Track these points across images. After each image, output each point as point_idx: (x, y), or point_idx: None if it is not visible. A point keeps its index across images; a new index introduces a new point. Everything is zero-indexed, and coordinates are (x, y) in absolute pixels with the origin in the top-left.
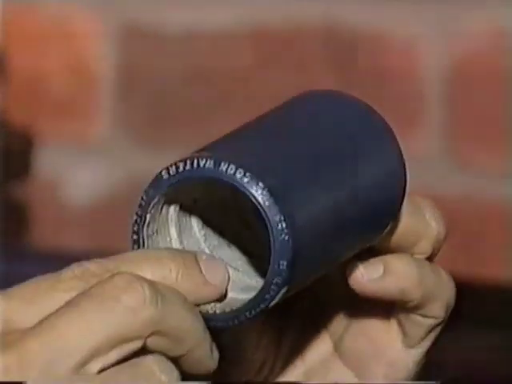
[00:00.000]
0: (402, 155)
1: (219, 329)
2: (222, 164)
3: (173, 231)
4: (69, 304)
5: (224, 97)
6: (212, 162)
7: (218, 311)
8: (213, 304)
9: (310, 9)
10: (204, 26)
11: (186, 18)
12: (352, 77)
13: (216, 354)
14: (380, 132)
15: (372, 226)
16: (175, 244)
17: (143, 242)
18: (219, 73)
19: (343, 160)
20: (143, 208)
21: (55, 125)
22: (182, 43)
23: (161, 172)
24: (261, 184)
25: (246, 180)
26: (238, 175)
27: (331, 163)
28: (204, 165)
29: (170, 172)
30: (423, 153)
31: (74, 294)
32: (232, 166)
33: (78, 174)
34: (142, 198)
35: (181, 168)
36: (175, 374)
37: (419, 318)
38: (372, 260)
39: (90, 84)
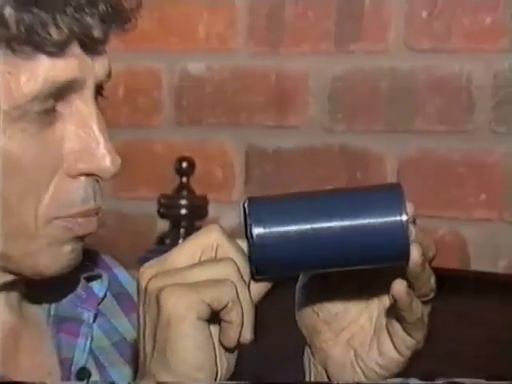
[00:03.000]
0: (401, 224)
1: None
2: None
3: None
4: None
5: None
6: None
7: None
8: None
9: (325, 137)
10: (288, 146)
11: (278, 140)
12: (357, 179)
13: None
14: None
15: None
16: None
17: None
18: (298, 181)
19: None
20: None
21: (217, 196)
22: (274, 157)
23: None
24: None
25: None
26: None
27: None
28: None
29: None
30: None
31: None
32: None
33: (224, 215)
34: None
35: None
36: None
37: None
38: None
39: (229, 184)
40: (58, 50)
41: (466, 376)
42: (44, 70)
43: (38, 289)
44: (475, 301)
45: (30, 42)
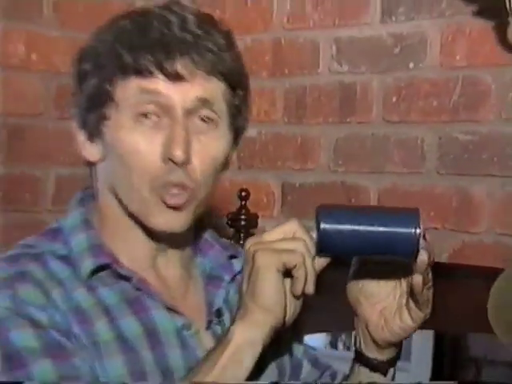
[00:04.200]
0: (414, 232)
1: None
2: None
3: None
4: None
5: None
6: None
7: None
8: None
9: (331, 176)
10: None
11: (302, 178)
12: (351, 204)
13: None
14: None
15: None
16: None
17: None
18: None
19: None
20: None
21: (264, 214)
22: (299, 189)
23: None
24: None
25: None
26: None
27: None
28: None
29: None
30: None
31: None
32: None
33: (268, 226)
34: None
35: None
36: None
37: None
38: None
39: (271, 206)
40: (147, 74)
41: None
42: (137, 86)
43: (200, 256)
44: None
45: (132, 70)
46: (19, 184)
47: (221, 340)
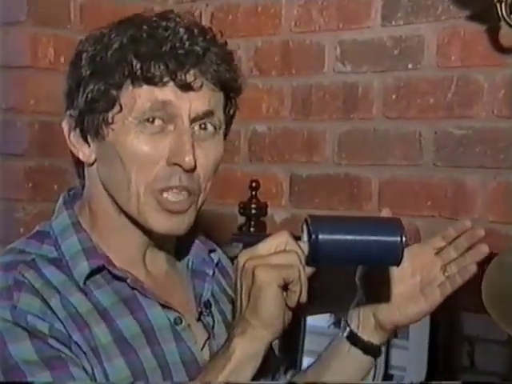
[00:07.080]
0: (396, 242)
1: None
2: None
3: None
4: None
5: None
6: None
7: None
8: None
9: (336, 168)
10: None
11: (308, 170)
12: (354, 194)
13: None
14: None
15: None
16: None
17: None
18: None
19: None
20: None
21: (273, 203)
22: (306, 180)
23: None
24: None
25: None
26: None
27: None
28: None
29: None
30: None
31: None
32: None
33: (276, 214)
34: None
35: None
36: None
37: None
38: None
39: (279, 196)
40: (159, 83)
41: None
42: (149, 95)
43: (182, 253)
44: None
45: (144, 78)
46: (48, 175)
47: (223, 353)
